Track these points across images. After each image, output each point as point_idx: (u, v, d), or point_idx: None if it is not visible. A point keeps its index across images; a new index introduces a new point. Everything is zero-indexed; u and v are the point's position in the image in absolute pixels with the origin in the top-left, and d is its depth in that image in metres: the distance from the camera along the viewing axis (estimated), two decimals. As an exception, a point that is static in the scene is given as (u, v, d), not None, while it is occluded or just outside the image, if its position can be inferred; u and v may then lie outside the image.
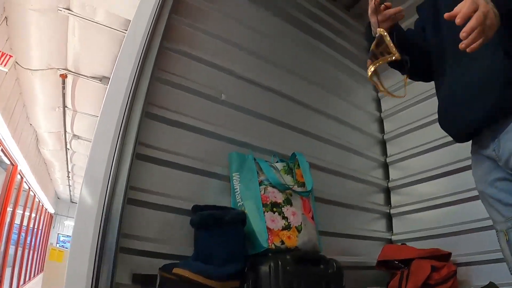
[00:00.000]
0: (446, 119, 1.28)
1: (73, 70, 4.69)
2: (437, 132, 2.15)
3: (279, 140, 1.90)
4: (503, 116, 1.08)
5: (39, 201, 10.89)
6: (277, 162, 1.68)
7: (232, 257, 1.32)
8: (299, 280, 1.38)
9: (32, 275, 12.02)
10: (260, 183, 1.51)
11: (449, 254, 1.96)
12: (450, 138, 1.35)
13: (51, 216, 14.20)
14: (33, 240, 11.21)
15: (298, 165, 1.68)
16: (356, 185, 2.30)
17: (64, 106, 5.54)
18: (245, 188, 1.53)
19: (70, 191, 11.99)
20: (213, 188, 1.60)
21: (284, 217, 1.48)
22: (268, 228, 1.42)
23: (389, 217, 2.45)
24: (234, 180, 1.56)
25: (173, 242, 1.44)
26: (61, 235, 14.81)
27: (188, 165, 1.54)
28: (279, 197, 1.51)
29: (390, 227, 2.43)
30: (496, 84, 1.06)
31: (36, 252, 11.77)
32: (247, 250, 1.43)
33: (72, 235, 1.12)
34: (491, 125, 1.12)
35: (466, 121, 1.17)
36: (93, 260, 1.07)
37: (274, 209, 1.48)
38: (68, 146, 7.36)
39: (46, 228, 13.74)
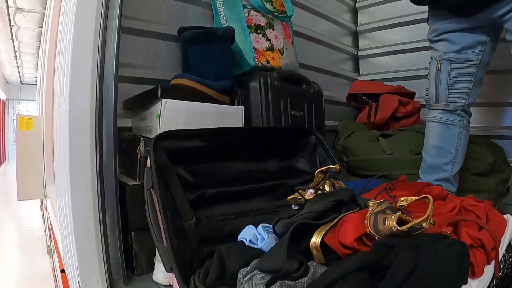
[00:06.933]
0: None
1: None
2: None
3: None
4: None
5: (-12, 88, 10.31)
6: (256, -11, 1.67)
7: (222, 73, 1.38)
8: (285, 97, 1.51)
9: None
10: (243, 7, 1.53)
11: (414, 94, 2.13)
12: None
13: (3, 103, 13.58)
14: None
15: (278, -6, 1.69)
16: (328, 25, 2.38)
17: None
18: (229, 12, 1.54)
19: (19, 72, 11.04)
20: (195, 15, 1.61)
21: (268, 39, 1.55)
22: (254, 48, 1.49)
23: (356, 59, 2.59)
24: (217, 4, 1.57)
25: (159, 69, 1.49)
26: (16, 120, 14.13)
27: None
28: (262, 21, 1.56)
29: (357, 68, 2.59)
30: None
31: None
32: (233, 71, 1.50)
33: (70, 71, 1.00)
34: None
35: None
36: (95, 94, 1.01)
37: (258, 31, 1.53)
38: (12, 23, 6.70)
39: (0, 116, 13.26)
